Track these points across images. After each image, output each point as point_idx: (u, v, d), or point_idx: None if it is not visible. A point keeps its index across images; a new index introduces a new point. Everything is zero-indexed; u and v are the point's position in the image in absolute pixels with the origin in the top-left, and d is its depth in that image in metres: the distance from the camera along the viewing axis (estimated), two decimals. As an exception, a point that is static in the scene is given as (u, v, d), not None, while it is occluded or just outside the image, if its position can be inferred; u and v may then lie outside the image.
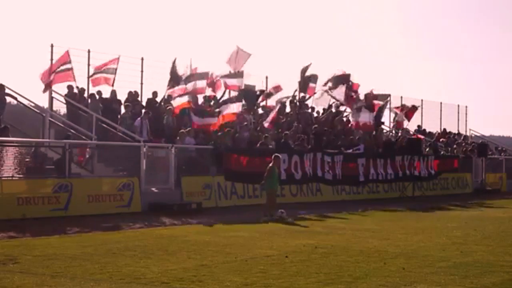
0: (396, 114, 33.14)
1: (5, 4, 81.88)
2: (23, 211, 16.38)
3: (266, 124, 25.08)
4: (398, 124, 32.78)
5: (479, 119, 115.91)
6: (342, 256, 11.37)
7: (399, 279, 9.34)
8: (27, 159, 17.70)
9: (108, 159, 20.21)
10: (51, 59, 22.72)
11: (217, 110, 23.87)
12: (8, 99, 20.63)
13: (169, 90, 24.42)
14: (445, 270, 10.06)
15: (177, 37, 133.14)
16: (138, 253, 11.34)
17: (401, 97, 35.63)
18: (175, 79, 24.47)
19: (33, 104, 21.26)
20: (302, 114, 28.85)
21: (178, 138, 21.67)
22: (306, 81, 29.72)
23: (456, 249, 12.51)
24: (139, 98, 24.83)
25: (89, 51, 23.69)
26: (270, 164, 18.68)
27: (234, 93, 26.84)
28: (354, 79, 30.47)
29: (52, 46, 22.85)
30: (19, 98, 20.77)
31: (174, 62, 24.53)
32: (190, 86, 24.13)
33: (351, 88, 29.83)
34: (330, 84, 29.91)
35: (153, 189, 20.16)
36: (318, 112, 30.53)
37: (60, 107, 23.21)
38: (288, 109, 28.67)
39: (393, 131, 34.52)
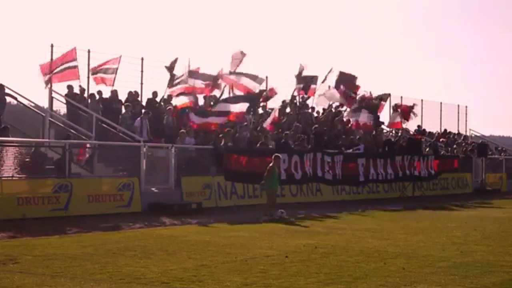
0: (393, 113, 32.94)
1: (5, 4, 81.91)
2: (23, 211, 16.38)
3: (266, 126, 25.10)
4: (391, 125, 32.56)
5: (479, 119, 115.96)
6: (342, 256, 11.37)
7: (399, 279, 9.34)
8: (27, 159, 17.69)
9: (108, 159, 20.21)
10: (51, 59, 22.76)
11: (216, 109, 23.81)
12: (8, 99, 20.65)
13: (170, 90, 24.47)
14: (445, 270, 10.06)
15: (177, 37, 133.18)
16: (138, 253, 11.34)
17: (401, 97, 35.63)
18: (170, 77, 24.56)
19: (33, 104, 21.30)
20: (302, 114, 28.86)
21: (178, 138, 21.67)
22: (308, 82, 29.76)
23: (456, 249, 12.50)
24: (139, 98, 24.85)
25: (89, 51, 23.75)
26: (270, 164, 18.68)
27: (236, 93, 26.82)
28: (356, 81, 30.42)
29: (52, 46, 22.90)
30: (19, 98, 20.83)
31: (175, 62, 24.56)
32: (192, 83, 24.23)
33: (352, 89, 29.78)
34: (331, 81, 29.88)
35: (153, 189, 20.16)
36: (318, 112, 30.56)
37: (60, 107, 23.26)
38: (288, 109, 28.68)
39: (393, 131, 34.50)
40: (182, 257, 11.04)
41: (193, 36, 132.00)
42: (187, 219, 17.63)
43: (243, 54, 26.79)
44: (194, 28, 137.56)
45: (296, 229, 16.03)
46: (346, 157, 25.55)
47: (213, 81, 25.83)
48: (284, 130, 25.52)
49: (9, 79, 49.38)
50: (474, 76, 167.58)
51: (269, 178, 18.49)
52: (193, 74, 24.88)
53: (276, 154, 19.39)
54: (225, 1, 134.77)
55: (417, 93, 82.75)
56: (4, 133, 17.97)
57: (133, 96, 24.19)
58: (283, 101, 29.28)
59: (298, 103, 30.28)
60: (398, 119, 31.21)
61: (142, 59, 25.37)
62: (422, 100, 38.23)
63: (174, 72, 24.69)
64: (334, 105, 30.22)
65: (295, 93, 30.13)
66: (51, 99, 22.69)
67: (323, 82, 30.25)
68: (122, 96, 23.95)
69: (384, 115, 32.50)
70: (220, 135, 22.65)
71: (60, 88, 22.75)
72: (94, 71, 23.77)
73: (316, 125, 27.27)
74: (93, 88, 23.81)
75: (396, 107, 31.92)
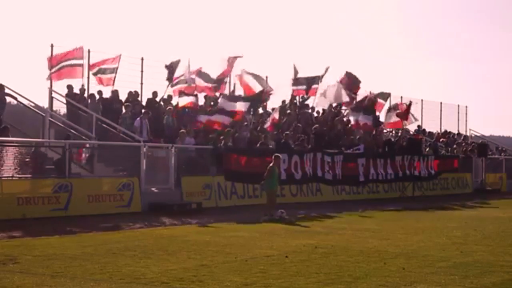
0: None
1: (5, 4, 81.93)
2: (23, 211, 16.38)
3: (267, 127, 25.11)
4: (387, 125, 32.44)
5: (479, 119, 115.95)
6: (342, 256, 11.37)
7: (399, 279, 9.34)
8: (27, 159, 17.69)
9: (108, 159, 20.22)
10: (52, 54, 22.77)
11: (222, 107, 23.85)
12: (8, 99, 20.66)
13: (173, 88, 24.55)
14: (445, 270, 10.06)
15: (177, 37, 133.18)
16: (138, 253, 11.34)
17: (401, 97, 35.59)
18: (169, 77, 24.62)
19: (33, 104, 21.31)
20: (302, 114, 28.87)
21: (178, 138, 21.68)
22: (310, 83, 29.77)
23: (456, 249, 12.51)
24: (139, 98, 24.85)
25: (89, 51, 23.72)
26: (271, 164, 18.69)
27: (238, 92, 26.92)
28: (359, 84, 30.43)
29: (52, 46, 22.90)
30: (19, 98, 20.84)
31: (177, 63, 24.61)
32: (197, 82, 24.36)
33: (353, 89, 29.76)
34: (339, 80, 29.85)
35: (153, 189, 20.16)
36: (318, 112, 30.57)
37: (60, 107, 23.27)
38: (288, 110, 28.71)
39: (393, 131, 34.49)
40: (182, 257, 11.05)
41: (193, 36, 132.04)
42: (187, 219, 17.64)
43: (236, 57, 26.84)
44: (194, 28, 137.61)
45: (296, 229, 16.03)
46: (346, 157, 25.55)
47: (217, 82, 25.91)
48: (284, 130, 25.53)
49: (9, 79, 49.44)
50: (474, 76, 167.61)
51: (269, 178, 18.49)
52: (200, 75, 25.07)
53: (276, 154, 19.40)
54: (225, 1, 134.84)
55: (417, 93, 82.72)
56: (4, 133, 17.98)
57: (133, 96, 24.19)
58: (283, 101, 29.33)
59: (298, 103, 30.29)
60: (393, 119, 31.02)
61: (142, 59, 25.39)
62: (422, 100, 38.24)
63: (175, 72, 24.77)
64: (334, 105, 30.17)
65: (295, 94, 30.15)
66: (51, 99, 22.70)
67: (320, 81, 30.23)
68: (122, 96, 23.98)
69: (384, 115, 32.44)
70: (221, 137, 22.65)
71: (60, 88, 22.80)
72: (93, 71, 23.77)
73: (316, 125, 27.28)
74: (93, 88, 23.84)
75: (393, 107, 31.84)
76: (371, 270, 9.98)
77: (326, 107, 30.36)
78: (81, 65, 22.75)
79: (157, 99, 24.51)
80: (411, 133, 34.26)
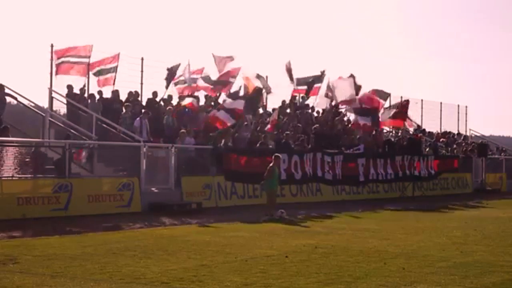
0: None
1: (5, 4, 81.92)
2: (23, 211, 16.38)
3: (267, 128, 25.12)
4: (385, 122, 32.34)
5: (479, 119, 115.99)
6: (342, 256, 11.37)
7: (399, 279, 9.34)
8: (27, 159, 17.69)
9: (108, 159, 20.22)
10: (51, 59, 22.79)
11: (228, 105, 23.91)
12: (8, 99, 20.65)
13: (176, 87, 24.61)
14: (445, 270, 10.06)
15: (177, 38, 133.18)
16: (138, 253, 11.34)
17: (401, 97, 35.53)
18: (169, 77, 24.64)
19: (33, 104, 21.30)
20: (302, 114, 28.86)
21: (178, 138, 21.68)
22: (311, 82, 29.77)
23: (456, 249, 12.51)
24: (139, 98, 24.85)
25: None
26: (271, 164, 18.69)
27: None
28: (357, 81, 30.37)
29: (52, 46, 22.89)
30: (19, 98, 20.83)
31: (177, 67, 24.66)
32: (200, 83, 24.45)
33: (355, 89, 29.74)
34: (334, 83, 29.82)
35: (153, 189, 20.16)
36: (318, 112, 30.55)
37: (60, 107, 23.25)
38: (288, 110, 28.72)
39: (393, 131, 34.48)
40: (182, 257, 11.04)
41: (193, 36, 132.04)
42: (187, 219, 17.64)
43: (229, 58, 26.87)
44: (194, 28, 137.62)
45: (296, 229, 16.04)
46: (346, 157, 25.56)
47: (220, 83, 25.95)
48: (284, 130, 25.53)
49: (9, 79, 49.42)
50: (474, 76, 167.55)
51: (269, 178, 18.49)
52: (206, 79, 25.24)
53: (276, 154, 19.41)
54: (225, 1, 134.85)
55: (417, 93, 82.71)
56: (4, 133, 17.97)
57: (133, 96, 24.19)
58: (283, 101, 29.33)
59: (298, 103, 30.29)
60: (392, 116, 30.83)
61: (142, 59, 25.39)
62: (422, 100, 38.24)
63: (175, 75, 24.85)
64: (333, 103, 30.09)
65: (294, 93, 30.14)
66: (51, 99, 22.69)
67: (321, 82, 30.19)
68: (122, 96, 23.96)
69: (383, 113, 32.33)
70: (223, 140, 22.65)
71: (61, 88, 22.79)
72: (93, 71, 23.77)
73: (316, 125, 27.28)
74: (93, 88, 23.83)
75: (392, 106, 31.76)
76: (371, 270, 9.98)
77: (327, 105, 30.24)
78: (87, 64, 22.79)
79: (157, 99, 24.52)
80: (411, 133, 34.23)
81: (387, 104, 32.36)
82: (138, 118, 21.86)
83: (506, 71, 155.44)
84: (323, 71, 30.21)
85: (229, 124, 23.21)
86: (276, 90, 28.89)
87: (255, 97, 25.58)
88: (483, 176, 34.72)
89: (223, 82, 26.28)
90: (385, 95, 31.97)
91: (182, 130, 22.01)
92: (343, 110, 30.40)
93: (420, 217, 19.95)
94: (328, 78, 30.10)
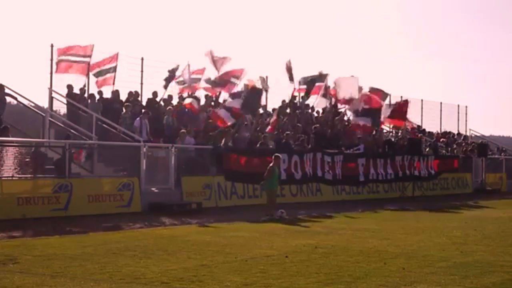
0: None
1: (5, 4, 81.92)
2: (23, 211, 16.38)
3: (268, 129, 25.12)
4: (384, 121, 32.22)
5: (479, 119, 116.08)
6: (342, 256, 11.37)
7: (399, 279, 9.34)
8: (27, 159, 17.69)
9: (108, 159, 20.22)
10: (51, 59, 22.80)
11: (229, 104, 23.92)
12: (8, 99, 20.65)
13: (177, 87, 24.62)
14: (445, 270, 10.06)
15: (177, 38, 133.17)
16: (138, 253, 11.34)
17: (401, 97, 35.52)
18: (169, 78, 24.65)
19: (33, 104, 21.30)
20: (302, 114, 28.85)
21: (178, 138, 21.67)
22: (312, 82, 29.74)
23: (456, 249, 12.50)
24: (139, 98, 24.85)
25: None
26: (271, 164, 18.69)
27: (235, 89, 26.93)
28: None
29: (52, 46, 22.89)
30: (19, 98, 20.83)
31: (176, 69, 24.66)
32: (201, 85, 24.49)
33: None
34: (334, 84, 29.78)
35: (153, 189, 20.16)
36: (318, 112, 30.54)
37: (60, 107, 23.25)
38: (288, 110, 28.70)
39: (393, 131, 34.46)
40: (182, 257, 11.04)
41: (193, 36, 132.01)
42: (187, 219, 17.64)
43: (225, 59, 26.87)
44: (194, 28, 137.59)
45: (296, 229, 16.03)
46: (346, 157, 25.56)
47: (221, 83, 25.95)
48: (284, 130, 25.52)
49: (9, 79, 49.46)
50: (474, 76, 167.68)
51: (269, 178, 18.49)
52: (208, 81, 25.30)
53: (276, 154, 19.40)
54: (225, 2, 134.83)
55: (417, 93, 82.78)
56: (4, 133, 17.97)
57: (133, 96, 24.19)
58: (283, 101, 29.31)
59: (298, 103, 30.28)
60: (387, 115, 30.72)
61: (142, 59, 25.40)
62: (422, 100, 38.23)
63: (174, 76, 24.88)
64: (334, 101, 30.03)
65: (295, 93, 30.16)
66: (51, 99, 22.68)
67: (321, 82, 30.15)
68: (122, 96, 23.96)
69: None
70: (223, 140, 22.64)
71: (61, 88, 22.79)
72: (93, 71, 23.76)
73: (316, 125, 27.27)
74: (93, 88, 23.83)
75: (390, 106, 31.63)
76: (371, 270, 9.98)
77: (327, 105, 30.22)
78: (88, 63, 22.80)
79: (157, 99, 24.52)
80: (409, 131, 34.19)
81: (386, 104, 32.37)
82: (138, 118, 21.86)
83: (506, 71, 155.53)
84: (321, 72, 30.16)
85: (229, 124, 23.22)
86: (276, 90, 28.92)
87: (253, 97, 25.60)
88: (483, 176, 34.71)
89: (224, 81, 26.28)
90: (385, 95, 31.96)
91: (182, 130, 22.01)
92: (342, 110, 30.40)
93: (420, 217, 19.95)
94: (330, 76, 30.13)
